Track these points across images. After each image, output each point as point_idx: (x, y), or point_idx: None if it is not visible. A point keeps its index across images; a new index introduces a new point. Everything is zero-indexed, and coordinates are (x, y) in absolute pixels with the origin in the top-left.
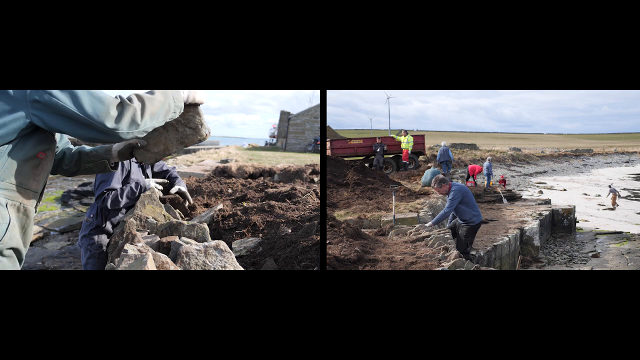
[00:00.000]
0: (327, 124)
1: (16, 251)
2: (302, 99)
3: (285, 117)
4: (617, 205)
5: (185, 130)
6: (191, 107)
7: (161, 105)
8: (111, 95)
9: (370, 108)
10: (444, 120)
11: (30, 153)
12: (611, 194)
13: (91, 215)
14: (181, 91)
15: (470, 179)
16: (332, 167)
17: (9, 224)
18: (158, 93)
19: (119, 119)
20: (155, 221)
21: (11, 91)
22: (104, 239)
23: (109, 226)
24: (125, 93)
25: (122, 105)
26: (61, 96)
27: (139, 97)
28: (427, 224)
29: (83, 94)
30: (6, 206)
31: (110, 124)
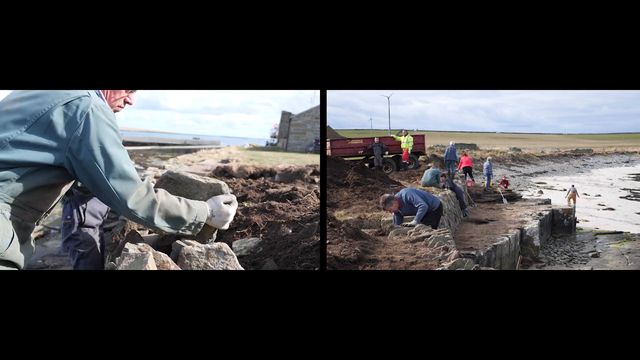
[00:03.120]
0: (327, 124)
1: (15, 266)
2: (303, 100)
3: (286, 117)
4: (575, 204)
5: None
6: (208, 227)
7: (179, 216)
8: (139, 176)
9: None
10: (444, 120)
11: (51, 181)
12: (570, 192)
13: (67, 217)
14: (207, 211)
15: (469, 179)
16: (332, 167)
17: (12, 237)
18: (184, 204)
19: (140, 202)
20: None
21: (59, 121)
22: (90, 232)
23: (90, 219)
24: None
25: (148, 190)
26: (98, 155)
27: (166, 194)
28: (412, 222)
29: (118, 163)
30: (10, 220)
31: (131, 203)
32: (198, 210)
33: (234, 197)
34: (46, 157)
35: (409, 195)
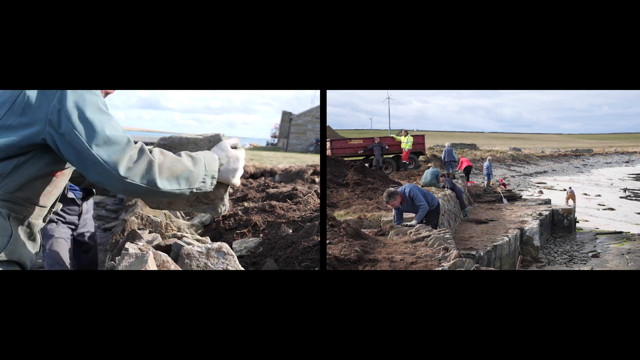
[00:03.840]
0: (328, 124)
1: (19, 265)
2: (304, 100)
3: (286, 117)
4: (575, 204)
5: (200, 199)
6: (221, 185)
7: (187, 170)
8: (126, 137)
9: (370, 108)
10: (444, 120)
11: (44, 170)
12: (567, 193)
13: None
14: (217, 161)
15: (470, 179)
16: (332, 167)
17: (10, 236)
18: (185, 156)
19: (134, 167)
20: (157, 219)
21: (34, 97)
22: (52, 226)
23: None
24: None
25: (141, 152)
26: (77, 123)
27: (162, 152)
28: (412, 222)
29: (100, 128)
30: (8, 218)
31: (123, 170)
32: (205, 159)
33: (238, 140)
34: (28, 136)
35: (412, 192)
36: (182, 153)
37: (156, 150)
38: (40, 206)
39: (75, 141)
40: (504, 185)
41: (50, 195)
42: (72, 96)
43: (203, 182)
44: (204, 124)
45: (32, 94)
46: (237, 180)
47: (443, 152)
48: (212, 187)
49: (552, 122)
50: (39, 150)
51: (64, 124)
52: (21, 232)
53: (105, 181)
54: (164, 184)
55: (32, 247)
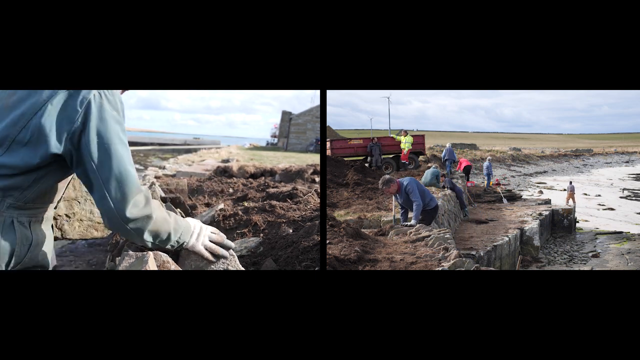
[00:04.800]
0: (327, 124)
1: (41, 266)
2: (304, 99)
3: (286, 117)
4: (575, 204)
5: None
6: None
7: (167, 232)
8: (136, 176)
9: (370, 108)
10: (444, 120)
11: (61, 178)
12: (568, 191)
13: None
14: (192, 231)
15: (469, 179)
16: (332, 167)
17: (30, 244)
18: (173, 220)
19: (135, 214)
20: None
21: (59, 117)
22: None
23: None
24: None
25: (147, 201)
26: (95, 152)
27: (160, 208)
28: (412, 222)
29: (117, 164)
30: (29, 226)
31: (129, 212)
32: (183, 229)
33: (222, 235)
34: (45, 154)
35: (410, 187)
36: (172, 215)
37: (155, 204)
38: (55, 202)
39: (89, 168)
40: (498, 185)
41: (62, 190)
42: (96, 120)
43: (172, 245)
44: (203, 124)
45: (57, 104)
46: (199, 248)
47: (444, 151)
48: (177, 250)
49: (552, 122)
50: (57, 164)
51: (83, 148)
52: (40, 232)
53: (103, 213)
54: (147, 236)
55: (50, 241)
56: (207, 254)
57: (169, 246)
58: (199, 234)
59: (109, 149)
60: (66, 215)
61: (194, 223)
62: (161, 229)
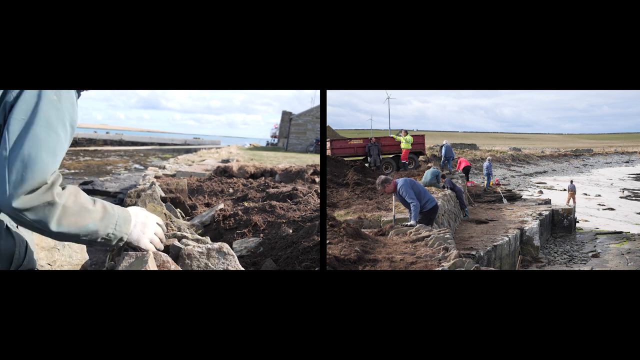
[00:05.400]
0: (327, 124)
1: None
2: (304, 99)
3: (286, 117)
4: (574, 204)
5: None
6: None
7: (92, 222)
8: (53, 171)
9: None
10: (444, 120)
11: None
12: (568, 190)
13: None
14: (132, 221)
15: (469, 179)
16: (332, 167)
17: (27, 246)
18: (99, 208)
19: (28, 200)
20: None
21: (3, 98)
22: None
23: None
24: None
25: (49, 187)
26: (14, 126)
27: (76, 195)
28: (411, 222)
29: (32, 145)
30: (17, 228)
31: (16, 202)
32: (118, 220)
33: (164, 228)
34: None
35: (402, 189)
36: (101, 206)
37: (71, 190)
38: None
39: (4, 141)
40: (499, 184)
41: None
42: (31, 99)
43: (107, 238)
44: (203, 124)
45: (5, 93)
46: (144, 243)
47: (443, 148)
48: (118, 245)
49: (552, 122)
50: None
51: (8, 120)
52: (28, 235)
53: None
54: (55, 227)
55: (33, 243)
56: (153, 249)
57: (101, 240)
58: (145, 225)
59: (28, 128)
60: (48, 265)
61: (135, 212)
62: (78, 220)
